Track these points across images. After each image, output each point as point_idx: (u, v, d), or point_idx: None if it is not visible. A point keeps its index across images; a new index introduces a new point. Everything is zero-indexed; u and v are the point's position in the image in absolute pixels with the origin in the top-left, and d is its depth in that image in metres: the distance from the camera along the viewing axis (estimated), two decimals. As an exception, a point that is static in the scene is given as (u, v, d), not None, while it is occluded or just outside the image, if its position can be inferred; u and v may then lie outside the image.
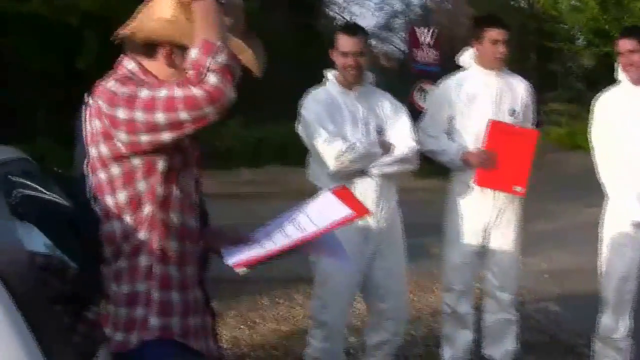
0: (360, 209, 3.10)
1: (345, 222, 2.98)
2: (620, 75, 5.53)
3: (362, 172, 5.12)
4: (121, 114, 2.61)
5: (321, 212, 3.00)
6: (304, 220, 2.98)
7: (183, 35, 2.68)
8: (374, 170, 5.13)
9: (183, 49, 2.71)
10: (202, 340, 2.86)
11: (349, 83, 5.25)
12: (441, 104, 5.71)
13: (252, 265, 2.81)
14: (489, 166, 5.48)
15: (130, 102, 2.60)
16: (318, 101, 5.22)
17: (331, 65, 5.31)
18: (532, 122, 5.75)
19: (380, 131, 5.25)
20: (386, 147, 5.17)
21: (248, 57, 2.90)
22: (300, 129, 5.28)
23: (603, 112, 5.62)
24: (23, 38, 21.51)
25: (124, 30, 2.80)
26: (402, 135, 5.26)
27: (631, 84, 5.47)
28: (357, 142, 5.08)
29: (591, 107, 5.69)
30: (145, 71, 2.82)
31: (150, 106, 2.56)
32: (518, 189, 5.54)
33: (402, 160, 5.21)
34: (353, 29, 5.31)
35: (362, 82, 5.29)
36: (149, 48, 2.82)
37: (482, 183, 5.54)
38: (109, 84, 2.72)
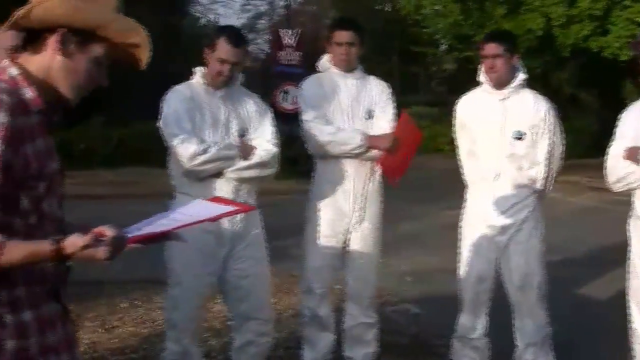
0: (241, 205, 3.04)
1: (229, 214, 2.95)
2: (482, 77, 5.60)
3: (218, 175, 5.06)
4: None
5: (199, 212, 2.89)
6: (179, 216, 2.85)
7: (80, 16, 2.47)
8: (231, 174, 5.07)
9: (77, 34, 2.51)
10: (64, 354, 2.70)
11: (217, 84, 5.14)
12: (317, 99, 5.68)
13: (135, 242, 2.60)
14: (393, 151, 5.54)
15: None
16: (179, 98, 5.09)
17: (195, 63, 5.19)
18: (391, 119, 5.72)
19: (243, 134, 5.18)
20: (246, 151, 5.11)
21: (141, 40, 2.69)
22: (161, 125, 5.13)
23: (463, 113, 5.72)
24: None
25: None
26: (263, 140, 5.21)
27: (490, 87, 5.55)
28: (212, 144, 5.00)
29: (454, 109, 5.78)
30: (27, 78, 2.52)
31: None
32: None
33: (260, 165, 5.15)
34: (238, 39, 5.09)
35: (230, 83, 5.18)
36: (33, 38, 2.53)
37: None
38: None
